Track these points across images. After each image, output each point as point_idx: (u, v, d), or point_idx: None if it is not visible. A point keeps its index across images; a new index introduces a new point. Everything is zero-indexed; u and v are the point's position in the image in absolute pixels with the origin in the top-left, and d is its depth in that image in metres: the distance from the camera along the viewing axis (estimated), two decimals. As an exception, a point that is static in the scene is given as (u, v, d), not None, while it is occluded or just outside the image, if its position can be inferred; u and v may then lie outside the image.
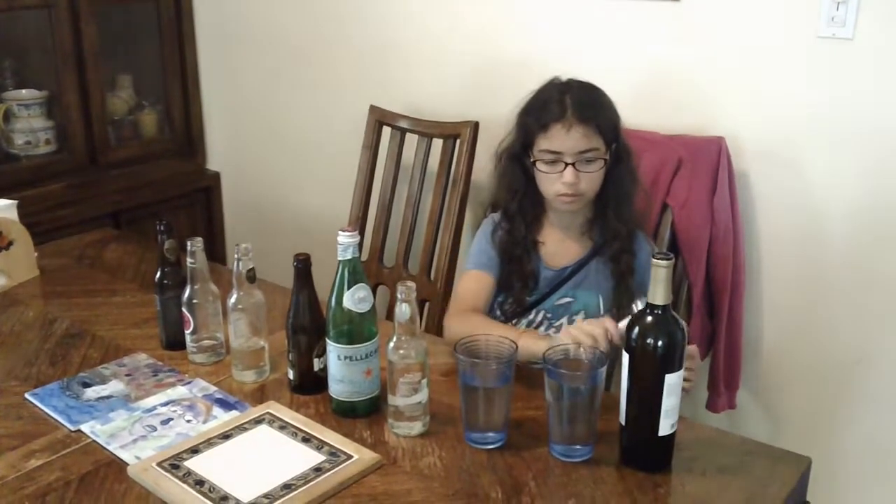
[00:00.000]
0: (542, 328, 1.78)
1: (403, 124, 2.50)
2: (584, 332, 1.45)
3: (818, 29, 1.88)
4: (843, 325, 2.02)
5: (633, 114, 2.11)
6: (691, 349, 1.49)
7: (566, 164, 1.65)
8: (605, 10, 2.18)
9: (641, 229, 1.80)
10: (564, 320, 1.76)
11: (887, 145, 1.87)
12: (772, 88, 1.98)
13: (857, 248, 1.96)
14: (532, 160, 1.69)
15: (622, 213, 1.72)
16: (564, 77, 1.73)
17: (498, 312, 1.81)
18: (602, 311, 1.76)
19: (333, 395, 1.47)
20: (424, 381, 1.39)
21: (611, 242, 1.74)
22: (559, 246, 1.77)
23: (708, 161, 1.99)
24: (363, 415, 1.46)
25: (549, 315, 1.78)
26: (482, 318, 1.69)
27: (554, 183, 1.67)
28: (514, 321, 1.79)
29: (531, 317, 1.79)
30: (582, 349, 1.39)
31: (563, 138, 1.64)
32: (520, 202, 1.74)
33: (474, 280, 1.78)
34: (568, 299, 1.76)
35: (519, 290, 1.76)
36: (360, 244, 2.56)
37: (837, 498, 2.10)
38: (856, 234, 1.96)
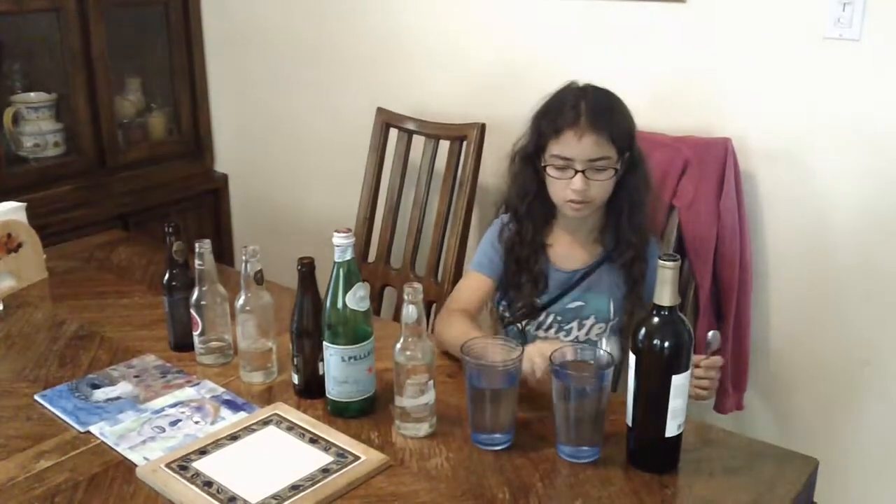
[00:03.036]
0: (552, 331, 1.78)
1: (410, 126, 2.50)
2: (533, 355, 1.44)
3: (824, 30, 1.88)
4: (851, 325, 2.02)
5: (640, 115, 2.11)
6: (716, 360, 1.49)
7: (576, 171, 1.64)
8: (611, 12, 2.18)
9: (654, 235, 1.80)
10: (574, 324, 1.77)
11: (894, 146, 1.87)
12: (778, 90, 1.98)
13: (865, 248, 1.96)
14: (543, 164, 1.69)
15: (634, 221, 1.71)
16: (582, 82, 1.72)
17: (507, 314, 1.81)
18: (612, 316, 1.76)
19: (335, 398, 1.47)
20: (431, 383, 1.40)
21: (622, 249, 1.73)
22: (569, 249, 1.77)
23: (714, 162, 1.99)
24: (366, 413, 1.47)
25: (559, 318, 1.78)
26: (463, 321, 1.65)
27: (564, 189, 1.67)
28: (524, 323, 1.79)
29: (541, 318, 1.78)
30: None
31: (575, 145, 1.63)
32: (529, 204, 1.74)
33: (472, 281, 1.80)
34: (579, 303, 1.76)
35: (529, 290, 1.76)
36: (368, 246, 2.59)
37: (845, 499, 2.09)
38: (863, 235, 1.95)
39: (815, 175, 1.98)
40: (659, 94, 2.15)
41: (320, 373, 1.51)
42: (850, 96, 1.90)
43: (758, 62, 2.00)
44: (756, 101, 2.02)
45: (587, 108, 1.64)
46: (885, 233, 1.93)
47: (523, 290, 1.76)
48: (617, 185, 1.69)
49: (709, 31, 2.05)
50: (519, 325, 1.79)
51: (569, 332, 1.77)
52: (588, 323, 1.76)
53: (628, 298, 1.74)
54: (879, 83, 1.86)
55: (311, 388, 1.53)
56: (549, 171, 1.68)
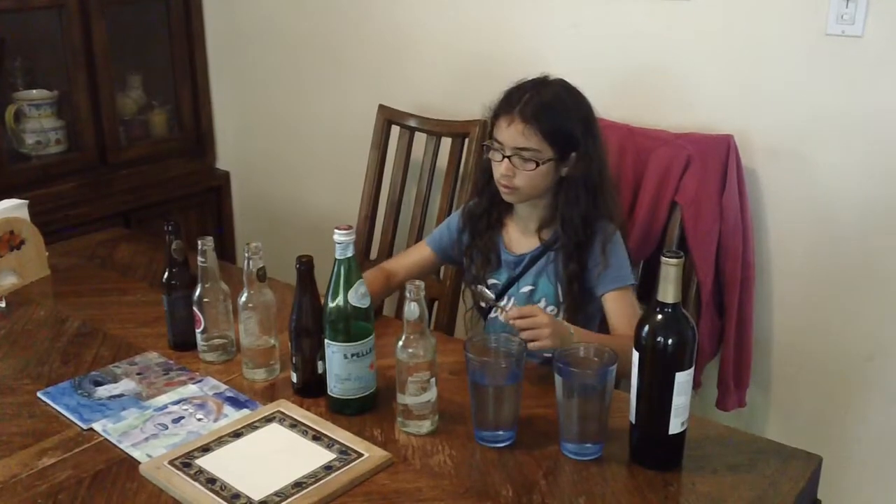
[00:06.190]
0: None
1: (412, 123, 2.50)
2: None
3: (827, 26, 1.88)
4: (853, 321, 2.02)
5: (642, 112, 2.12)
6: (532, 308, 1.57)
7: (504, 156, 1.70)
8: (613, 9, 2.18)
9: (612, 222, 1.78)
10: None
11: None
12: (781, 86, 1.98)
13: (867, 243, 1.96)
14: (485, 144, 1.78)
15: (570, 221, 1.73)
16: (554, 76, 1.76)
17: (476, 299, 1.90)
18: (562, 300, 1.78)
19: (336, 396, 1.47)
20: (433, 380, 1.40)
21: (563, 241, 1.75)
22: (519, 234, 1.84)
23: (717, 159, 1.99)
24: (367, 410, 1.47)
25: (516, 303, 1.82)
26: (377, 274, 1.85)
27: (496, 171, 1.74)
28: (488, 306, 1.87)
29: (503, 302, 1.84)
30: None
31: (505, 131, 1.70)
32: (488, 182, 1.81)
33: (415, 247, 2.00)
34: (530, 287, 1.81)
35: (480, 263, 1.84)
36: (370, 243, 2.59)
37: (849, 496, 2.09)
38: (865, 230, 1.95)
39: (818, 171, 1.98)
40: (661, 91, 2.15)
41: (319, 371, 1.50)
42: (853, 93, 1.89)
43: (760, 58, 1.99)
44: (758, 98, 2.01)
45: (527, 100, 1.69)
46: (887, 228, 1.92)
47: (475, 261, 1.86)
48: (565, 182, 1.73)
49: (711, 27, 2.04)
50: (483, 304, 1.88)
51: None
52: (541, 306, 1.79)
53: (569, 289, 1.76)
54: (882, 80, 1.85)
55: (309, 388, 1.53)
56: (488, 151, 1.76)
